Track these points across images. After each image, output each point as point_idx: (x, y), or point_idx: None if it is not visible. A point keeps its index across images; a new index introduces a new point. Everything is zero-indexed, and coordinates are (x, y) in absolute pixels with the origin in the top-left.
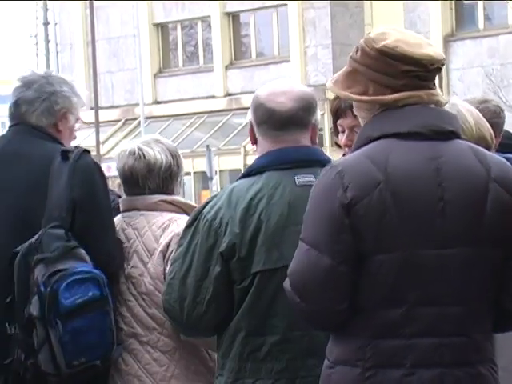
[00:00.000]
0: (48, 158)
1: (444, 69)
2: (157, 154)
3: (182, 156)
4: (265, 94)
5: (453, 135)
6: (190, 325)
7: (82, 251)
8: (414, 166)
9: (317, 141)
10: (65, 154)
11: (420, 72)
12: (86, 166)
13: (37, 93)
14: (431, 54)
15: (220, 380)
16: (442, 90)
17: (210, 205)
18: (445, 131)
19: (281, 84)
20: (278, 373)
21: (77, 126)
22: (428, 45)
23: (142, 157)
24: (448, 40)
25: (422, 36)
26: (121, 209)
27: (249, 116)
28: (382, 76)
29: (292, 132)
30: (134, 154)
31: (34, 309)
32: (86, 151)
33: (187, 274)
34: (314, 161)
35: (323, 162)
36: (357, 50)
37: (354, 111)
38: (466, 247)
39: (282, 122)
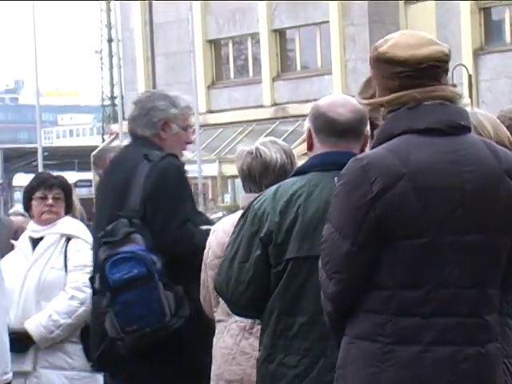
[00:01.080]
0: (137, 162)
1: (474, 80)
2: (272, 154)
3: (295, 156)
4: (325, 105)
5: (466, 129)
6: (233, 302)
7: (138, 236)
8: (435, 160)
9: (366, 149)
10: (147, 158)
11: (410, 72)
12: (163, 167)
13: (139, 110)
14: (419, 54)
15: (257, 354)
16: (471, 100)
17: (259, 198)
18: (459, 126)
19: (339, 97)
20: (305, 350)
21: (189, 130)
22: (429, 44)
23: (259, 156)
24: (477, 53)
25: (448, 46)
26: (240, 206)
27: (307, 124)
28: (382, 79)
29: (348, 140)
30: (252, 153)
31: (96, 283)
32: (171, 155)
33: (234, 257)
34: None
35: None
36: (370, 59)
37: (370, 114)
38: (481, 234)
39: (341, 131)
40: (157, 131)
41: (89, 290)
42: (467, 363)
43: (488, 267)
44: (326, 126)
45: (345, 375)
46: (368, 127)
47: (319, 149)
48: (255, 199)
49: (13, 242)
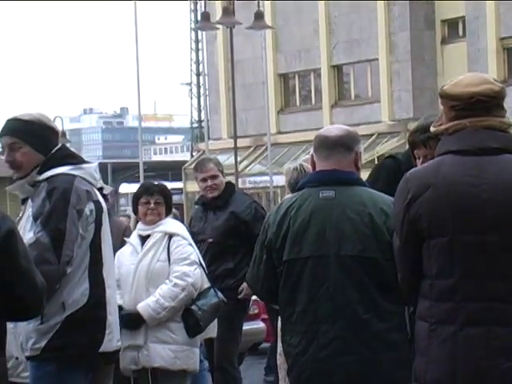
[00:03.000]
0: None
1: None
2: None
3: None
4: (322, 130)
5: (500, 151)
6: (257, 294)
7: None
8: (458, 173)
9: (359, 164)
10: None
11: (462, 105)
12: None
13: None
14: (469, 91)
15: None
16: None
17: (270, 211)
18: (489, 148)
19: (334, 125)
20: (302, 333)
21: None
22: (482, 83)
23: (303, 171)
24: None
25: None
26: None
27: (311, 152)
28: (445, 111)
29: (338, 152)
30: (297, 169)
31: None
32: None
33: (255, 260)
34: (336, 180)
35: (345, 181)
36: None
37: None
38: (496, 236)
39: (331, 145)
40: None
41: (189, 279)
42: (497, 341)
43: (506, 261)
44: (320, 142)
45: (417, 347)
46: (361, 147)
47: (317, 166)
48: (269, 212)
49: (125, 238)
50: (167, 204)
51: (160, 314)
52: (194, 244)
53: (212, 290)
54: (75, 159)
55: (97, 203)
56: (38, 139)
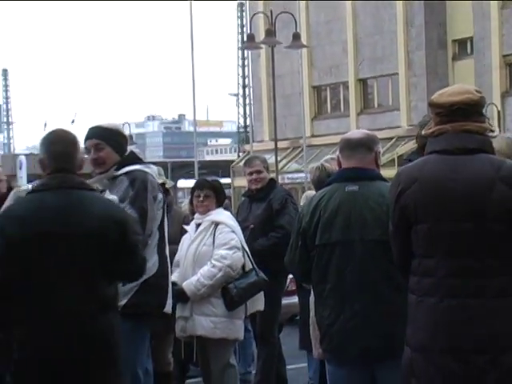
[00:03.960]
0: None
1: (502, 114)
2: (334, 167)
3: None
4: (345, 134)
5: (477, 150)
6: (293, 274)
7: None
8: (439, 170)
9: (379, 162)
10: None
11: (445, 112)
12: None
13: None
14: (450, 100)
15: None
16: (500, 129)
17: (304, 203)
18: (467, 148)
19: (356, 130)
20: (331, 307)
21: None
22: (463, 93)
23: (324, 169)
24: (504, 95)
25: (470, 88)
26: None
27: (337, 152)
28: (432, 118)
29: (360, 152)
30: (319, 168)
31: None
32: None
33: (292, 245)
34: (359, 176)
35: (367, 176)
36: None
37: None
38: (468, 222)
39: (354, 145)
40: None
41: (226, 262)
42: (471, 310)
43: (481, 245)
44: (344, 144)
45: (408, 315)
46: (380, 148)
47: (343, 164)
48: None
49: (184, 226)
50: (218, 197)
51: (200, 291)
52: (237, 231)
53: (254, 270)
54: (141, 160)
55: (162, 195)
56: (115, 142)
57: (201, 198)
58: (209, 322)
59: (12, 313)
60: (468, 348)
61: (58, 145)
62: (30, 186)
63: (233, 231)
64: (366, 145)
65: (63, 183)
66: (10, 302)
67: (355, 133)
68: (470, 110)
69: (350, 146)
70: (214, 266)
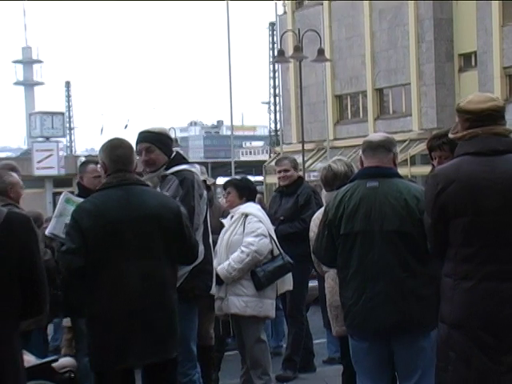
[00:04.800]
0: None
1: None
2: (339, 167)
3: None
4: (368, 137)
5: (505, 151)
6: (321, 260)
7: None
8: (475, 170)
9: (396, 162)
10: None
11: (476, 117)
12: None
13: None
14: (480, 107)
15: None
16: None
17: (327, 200)
18: (498, 150)
19: (377, 133)
20: (354, 289)
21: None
22: (489, 101)
23: (331, 169)
24: (504, 103)
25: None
26: (324, 200)
27: (360, 153)
28: (461, 122)
29: (380, 152)
30: (326, 168)
31: None
32: None
33: (319, 234)
34: (379, 174)
35: (386, 174)
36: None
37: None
38: (503, 215)
39: (375, 147)
40: None
41: (253, 248)
42: (504, 293)
43: (511, 235)
44: (366, 146)
45: (442, 296)
46: (397, 150)
47: (365, 164)
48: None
49: (220, 219)
50: (240, 192)
51: (231, 274)
52: (265, 221)
53: (281, 255)
54: (187, 160)
55: (206, 192)
56: (164, 145)
57: (225, 195)
58: (241, 302)
59: (83, 293)
60: (500, 325)
61: (118, 150)
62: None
63: (260, 221)
64: (385, 146)
65: (124, 181)
66: (84, 285)
67: (376, 135)
68: (496, 115)
69: (372, 147)
70: (242, 252)
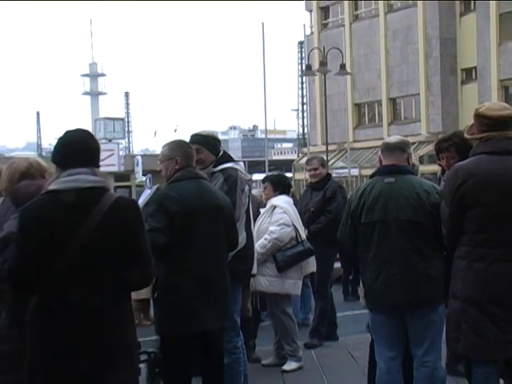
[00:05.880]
0: None
1: None
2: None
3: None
4: (385, 139)
5: None
6: (344, 245)
7: None
8: (492, 167)
9: (410, 161)
10: None
11: (493, 123)
12: None
13: None
14: (498, 114)
15: None
16: None
17: (351, 192)
18: (510, 150)
19: (394, 136)
20: (373, 270)
21: None
22: (505, 109)
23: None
24: None
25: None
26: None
27: (379, 153)
28: (478, 125)
29: (396, 153)
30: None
31: None
32: None
33: (343, 222)
34: (395, 171)
35: (401, 171)
36: (473, 114)
37: (470, 142)
38: None
39: (391, 148)
40: None
41: (274, 235)
42: None
43: None
44: (384, 146)
45: (454, 276)
46: (411, 150)
47: (382, 161)
48: (351, 192)
49: (261, 210)
50: (274, 186)
51: (258, 256)
52: (289, 212)
53: (302, 243)
54: (232, 159)
55: (249, 187)
56: (211, 146)
57: (262, 189)
58: (265, 281)
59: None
60: (508, 300)
61: (189, 148)
62: (144, 178)
63: (285, 212)
64: (400, 147)
65: (195, 174)
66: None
67: (393, 138)
68: (510, 122)
69: (389, 148)
70: (265, 239)
